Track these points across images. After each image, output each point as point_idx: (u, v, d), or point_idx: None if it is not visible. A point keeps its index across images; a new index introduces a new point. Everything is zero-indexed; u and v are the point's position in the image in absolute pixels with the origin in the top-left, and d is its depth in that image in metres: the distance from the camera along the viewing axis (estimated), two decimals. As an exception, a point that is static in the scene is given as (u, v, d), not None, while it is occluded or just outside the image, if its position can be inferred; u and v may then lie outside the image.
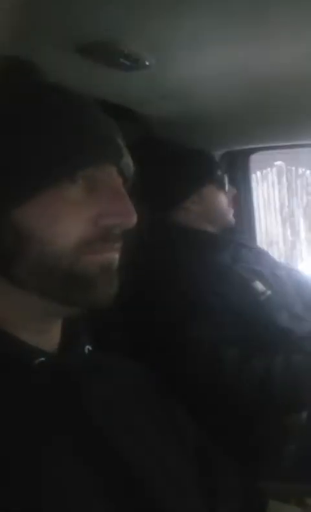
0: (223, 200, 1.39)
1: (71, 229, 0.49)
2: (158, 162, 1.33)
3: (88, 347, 0.56)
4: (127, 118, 1.32)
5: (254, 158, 1.86)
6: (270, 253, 1.58)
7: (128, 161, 0.55)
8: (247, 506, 0.69)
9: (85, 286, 0.50)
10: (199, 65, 1.05)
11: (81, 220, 0.49)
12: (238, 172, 1.81)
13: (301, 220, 6.30)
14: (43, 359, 0.48)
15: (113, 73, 1.02)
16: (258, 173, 6.05)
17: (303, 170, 6.29)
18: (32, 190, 0.47)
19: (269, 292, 1.28)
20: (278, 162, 6.21)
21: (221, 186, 1.39)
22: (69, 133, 0.49)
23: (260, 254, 1.49)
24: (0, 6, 0.55)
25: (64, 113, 0.50)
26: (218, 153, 1.68)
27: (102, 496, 0.45)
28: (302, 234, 6.28)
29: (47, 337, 0.53)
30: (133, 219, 0.51)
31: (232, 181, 1.48)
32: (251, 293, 1.25)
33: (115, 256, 0.52)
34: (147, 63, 0.98)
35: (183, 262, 1.25)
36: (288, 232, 6.32)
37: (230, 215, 1.42)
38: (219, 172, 1.39)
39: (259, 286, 1.28)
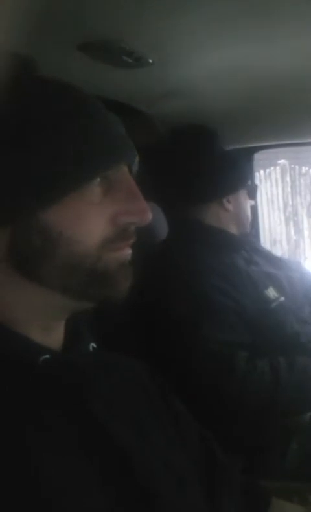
0: (248, 207, 1.42)
1: (95, 229, 0.51)
2: (204, 157, 1.35)
3: (92, 345, 0.57)
4: (130, 116, 1.32)
5: (258, 157, 1.85)
6: (274, 251, 1.58)
7: (137, 159, 0.57)
8: (250, 504, 0.69)
9: (106, 282, 0.52)
10: (202, 63, 1.04)
11: (103, 220, 0.51)
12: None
13: (305, 219, 6.29)
14: (47, 356, 0.49)
15: (115, 71, 1.02)
16: (262, 172, 6.05)
17: (306, 168, 6.28)
18: (60, 193, 0.48)
19: (282, 298, 1.28)
20: (281, 161, 6.20)
21: (251, 194, 1.43)
22: (90, 135, 0.50)
23: (274, 258, 1.49)
24: (2, 4, 0.55)
25: (84, 115, 0.51)
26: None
27: (103, 490, 0.46)
28: (306, 232, 6.27)
29: (52, 335, 0.54)
30: (149, 217, 0.54)
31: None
32: (262, 300, 1.25)
33: (129, 252, 0.55)
34: (150, 60, 0.98)
35: (197, 261, 1.25)
36: (292, 230, 6.32)
37: (248, 223, 1.44)
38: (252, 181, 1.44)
39: (271, 292, 1.28)
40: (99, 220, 0.51)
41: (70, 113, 0.50)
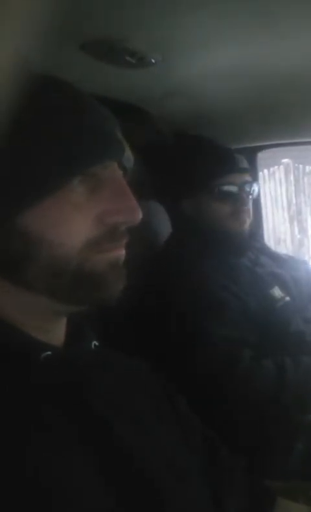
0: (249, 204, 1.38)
1: (78, 230, 0.48)
2: (199, 154, 1.34)
3: (94, 343, 0.57)
4: (133, 116, 1.32)
5: (262, 156, 1.85)
6: (278, 250, 1.57)
7: (129, 154, 0.55)
8: (255, 503, 0.69)
9: (95, 285, 0.50)
10: (205, 62, 1.04)
11: (87, 221, 0.49)
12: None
13: (309, 218, 6.27)
14: (49, 353, 0.48)
15: (118, 71, 1.02)
16: (266, 171, 6.03)
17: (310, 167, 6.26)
18: (37, 196, 0.46)
19: (287, 298, 1.28)
20: (285, 160, 6.18)
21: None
22: (70, 134, 0.48)
23: (280, 258, 1.49)
24: (4, 4, 0.55)
25: (63, 113, 0.48)
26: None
27: (104, 489, 0.45)
28: (310, 231, 6.25)
29: (53, 334, 0.53)
30: (138, 215, 0.51)
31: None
32: (268, 300, 1.25)
33: (121, 252, 0.53)
34: (152, 60, 0.98)
35: (202, 260, 1.25)
36: (296, 229, 6.30)
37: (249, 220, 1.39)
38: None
39: (277, 292, 1.28)
40: (83, 220, 0.49)
41: (50, 113, 0.47)
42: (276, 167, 6.22)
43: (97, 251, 0.50)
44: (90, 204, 0.49)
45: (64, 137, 0.48)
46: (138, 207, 0.51)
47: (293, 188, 6.33)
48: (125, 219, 0.51)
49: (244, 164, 1.36)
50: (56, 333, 0.54)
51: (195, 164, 1.34)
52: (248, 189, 1.33)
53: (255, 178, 1.88)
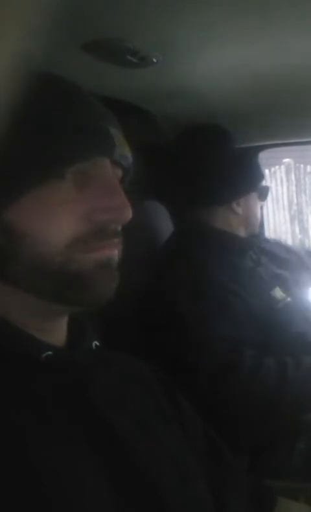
0: (259, 209, 1.41)
1: (63, 227, 0.47)
2: (215, 158, 1.34)
3: (95, 343, 0.56)
4: (135, 116, 1.32)
5: (263, 155, 1.85)
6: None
7: (124, 152, 0.53)
8: (256, 503, 0.69)
9: (81, 284, 0.49)
10: (207, 62, 1.04)
11: (73, 218, 0.48)
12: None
13: (310, 218, 6.27)
14: (50, 353, 0.48)
15: (119, 70, 1.02)
16: (267, 170, 6.03)
17: (312, 167, 6.26)
18: (19, 190, 0.45)
19: (288, 299, 1.28)
20: (286, 160, 6.19)
21: (262, 196, 1.42)
22: (54, 127, 0.47)
23: (283, 258, 1.49)
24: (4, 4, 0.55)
25: (54, 109, 0.48)
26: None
27: (106, 487, 0.46)
28: (311, 231, 6.26)
29: (53, 333, 0.53)
30: (127, 214, 0.50)
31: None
32: (269, 300, 1.25)
33: (112, 252, 0.51)
34: (154, 60, 0.98)
35: (205, 261, 1.25)
36: (297, 229, 6.30)
37: (257, 225, 1.43)
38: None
39: (278, 293, 1.28)
40: (69, 218, 0.47)
41: (38, 107, 0.46)
42: (277, 167, 6.22)
43: (84, 250, 0.48)
44: (77, 201, 0.48)
45: (52, 131, 0.47)
46: (127, 205, 0.50)
47: (294, 188, 6.33)
48: (113, 217, 0.49)
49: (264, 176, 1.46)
50: (57, 333, 0.54)
51: (253, 164, 1.40)
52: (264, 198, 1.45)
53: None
